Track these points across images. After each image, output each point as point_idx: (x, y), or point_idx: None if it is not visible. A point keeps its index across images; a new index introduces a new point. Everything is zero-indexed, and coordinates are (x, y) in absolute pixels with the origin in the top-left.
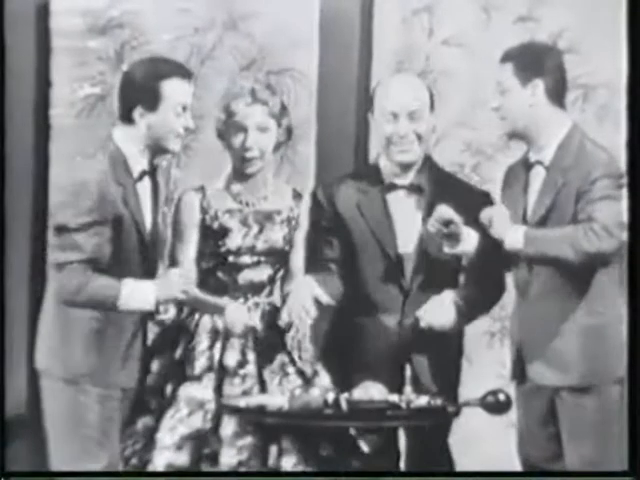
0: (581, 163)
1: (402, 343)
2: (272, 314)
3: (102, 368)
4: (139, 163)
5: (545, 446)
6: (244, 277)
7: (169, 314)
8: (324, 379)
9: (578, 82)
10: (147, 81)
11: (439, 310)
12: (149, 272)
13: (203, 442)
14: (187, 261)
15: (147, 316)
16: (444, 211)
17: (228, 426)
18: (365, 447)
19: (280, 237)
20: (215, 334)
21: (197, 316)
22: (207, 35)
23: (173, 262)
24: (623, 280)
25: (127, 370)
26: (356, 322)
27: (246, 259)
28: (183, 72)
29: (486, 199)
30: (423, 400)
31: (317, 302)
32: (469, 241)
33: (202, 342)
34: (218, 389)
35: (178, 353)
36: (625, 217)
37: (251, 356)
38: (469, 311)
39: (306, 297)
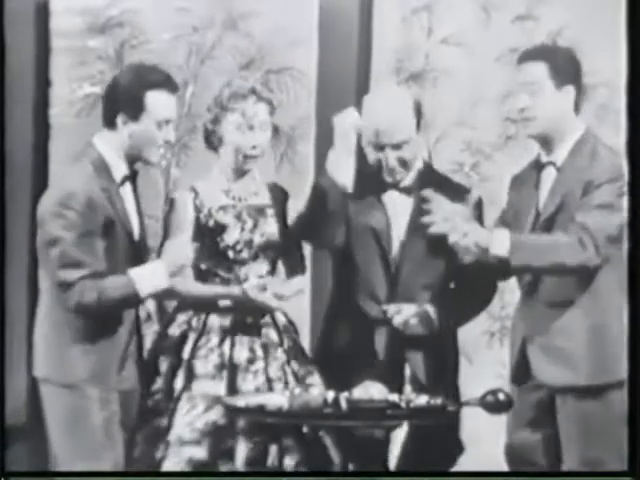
0: (591, 167)
1: (395, 341)
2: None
3: (101, 372)
4: (120, 169)
5: (536, 446)
6: (245, 272)
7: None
8: (317, 379)
9: None
10: (132, 89)
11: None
12: None
13: (220, 437)
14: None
15: (139, 319)
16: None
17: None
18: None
19: (275, 230)
20: (224, 332)
21: (204, 315)
22: (206, 34)
23: None
24: (624, 281)
25: (126, 372)
26: (349, 317)
27: (244, 254)
28: (170, 85)
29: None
30: (423, 399)
31: None
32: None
33: (212, 339)
34: (231, 385)
35: (186, 352)
36: (617, 231)
37: (259, 352)
38: (453, 315)
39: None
